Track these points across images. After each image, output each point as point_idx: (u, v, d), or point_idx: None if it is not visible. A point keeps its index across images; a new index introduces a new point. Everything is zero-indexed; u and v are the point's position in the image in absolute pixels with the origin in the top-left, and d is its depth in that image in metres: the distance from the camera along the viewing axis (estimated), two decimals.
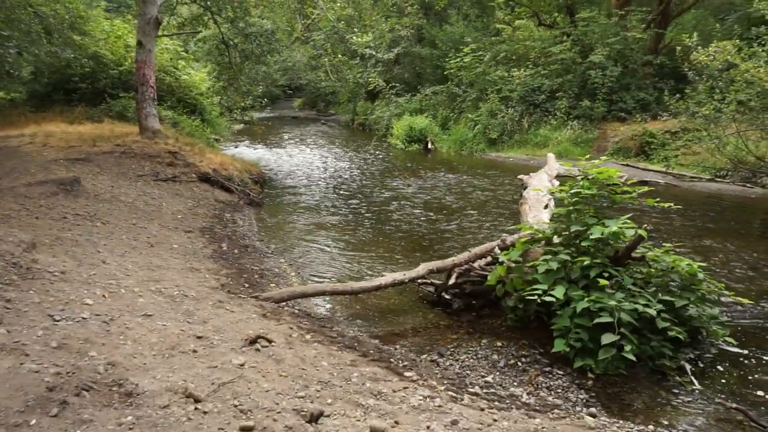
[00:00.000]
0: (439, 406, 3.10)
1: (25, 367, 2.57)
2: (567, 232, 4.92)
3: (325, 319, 5.10)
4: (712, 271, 6.09)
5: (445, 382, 3.82)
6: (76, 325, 3.27)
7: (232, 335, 3.74)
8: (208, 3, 12.86)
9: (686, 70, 12.27)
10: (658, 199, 4.91)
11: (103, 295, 3.95)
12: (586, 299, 4.16)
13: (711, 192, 11.11)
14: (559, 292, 4.30)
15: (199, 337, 3.56)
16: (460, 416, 2.97)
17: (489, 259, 5.61)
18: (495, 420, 3.05)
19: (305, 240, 7.96)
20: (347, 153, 17.76)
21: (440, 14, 24.66)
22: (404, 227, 8.71)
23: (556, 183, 8.73)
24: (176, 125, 12.63)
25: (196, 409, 2.46)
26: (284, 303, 5.06)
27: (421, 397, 3.21)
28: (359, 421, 2.72)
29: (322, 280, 6.31)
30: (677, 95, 12.60)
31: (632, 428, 3.34)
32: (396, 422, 2.76)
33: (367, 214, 9.55)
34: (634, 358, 3.88)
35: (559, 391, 3.92)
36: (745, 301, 4.90)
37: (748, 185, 11.17)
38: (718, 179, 11.76)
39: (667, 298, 4.38)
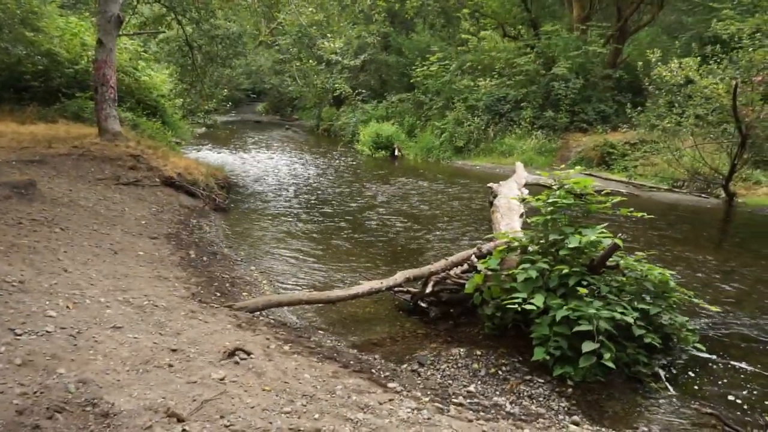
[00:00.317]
0: (428, 419, 3.03)
1: None
2: (544, 241, 4.98)
3: (301, 329, 4.96)
4: (676, 278, 6.27)
5: (429, 392, 3.76)
6: (41, 339, 3.04)
7: (208, 347, 3.57)
8: (173, 3, 12.50)
9: (645, 84, 12.76)
10: (631, 209, 5.02)
11: (67, 306, 3.70)
12: (566, 308, 4.20)
13: (669, 201, 11.53)
14: (538, 300, 4.32)
15: (173, 350, 3.38)
16: (450, 429, 2.92)
17: (465, 267, 5.60)
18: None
19: (276, 247, 7.76)
20: (314, 158, 17.58)
21: (407, 23, 24.86)
22: (378, 234, 8.64)
23: (525, 192, 8.87)
24: (136, 127, 12.15)
25: (183, 430, 2.30)
26: (259, 312, 4.90)
27: (408, 410, 3.14)
28: None
29: (295, 288, 6.15)
30: (637, 108, 13.08)
31: None
32: None
33: (338, 221, 9.43)
34: (613, 366, 3.93)
35: (541, 399, 3.92)
36: (714, 308, 5.07)
37: (703, 195, 11.67)
38: (676, 189, 12.24)
39: (642, 306, 4.48)
